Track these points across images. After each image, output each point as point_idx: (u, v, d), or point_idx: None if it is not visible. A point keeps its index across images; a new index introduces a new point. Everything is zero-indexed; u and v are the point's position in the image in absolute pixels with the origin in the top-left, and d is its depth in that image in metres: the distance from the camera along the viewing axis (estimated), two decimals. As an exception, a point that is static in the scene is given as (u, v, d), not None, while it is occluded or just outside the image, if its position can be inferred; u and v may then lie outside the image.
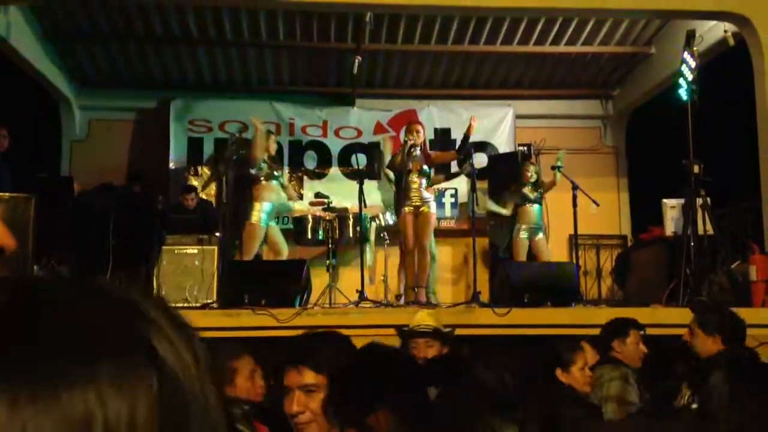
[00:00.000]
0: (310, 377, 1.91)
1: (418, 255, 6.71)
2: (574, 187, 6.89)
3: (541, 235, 7.46)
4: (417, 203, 6.71)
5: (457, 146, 7.26)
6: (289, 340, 2.19)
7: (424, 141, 7.02)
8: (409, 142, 6.71)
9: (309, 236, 7.57)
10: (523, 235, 7.45)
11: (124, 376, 0.43)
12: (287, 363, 1.99)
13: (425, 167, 6.77)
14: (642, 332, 3.96)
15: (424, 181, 6.75)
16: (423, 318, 3.74)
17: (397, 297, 6.96)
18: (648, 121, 9.48)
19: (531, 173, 7.56)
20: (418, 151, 6.79)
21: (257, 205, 6.71)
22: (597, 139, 9.87)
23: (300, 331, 5.01)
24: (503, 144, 9.31)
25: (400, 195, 6.79)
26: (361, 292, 6.15)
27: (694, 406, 3.07)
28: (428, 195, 6.77)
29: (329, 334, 2.26)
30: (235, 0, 7.52)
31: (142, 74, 9.24)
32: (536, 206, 7.47)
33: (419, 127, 6.91)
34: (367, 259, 6.81)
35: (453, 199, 9.11)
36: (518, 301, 5.60)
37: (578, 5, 7.02)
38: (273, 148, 6.98)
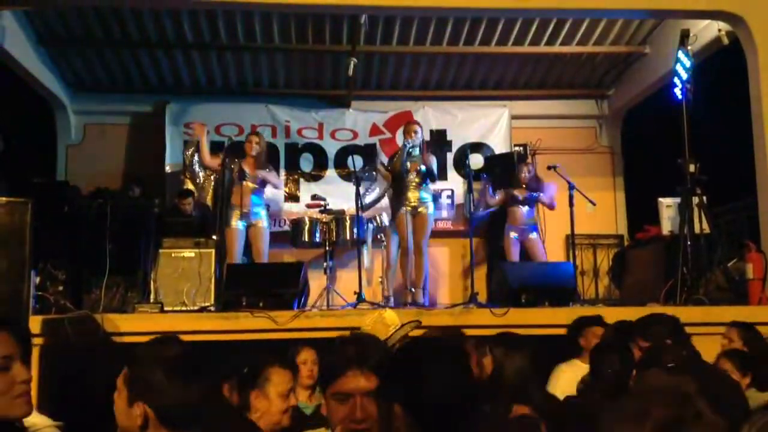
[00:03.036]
0: (373, 380, 1.85)
1: (415, 255, 6.72)
2: (571, 187, 6.91)
3: (534, 235, 7.41)
4: (414, 203, 6.72)
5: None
6: (335, 342, 2.08)
7: (423, 140, 7.01)
8: (408, 146, 6.73)
9: (306, 238, 7.57)
10: (513, 235, 7.44)
11: None
12: (347, 366, 1.89)
13: (423, 167, 6.78)
14: None
15: (421, 181, 6.75)
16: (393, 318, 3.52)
17: (386, 299, 6.95)
18: (643, 121, 9.50)
19: (524, 174, 7.56)
20: (417, 151, 6.80)
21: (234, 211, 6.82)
22: (592, 139, 9.89)
23: (297, 334, 5.03)
24: (499, 145, 9.31)
25: (398, 195, 6.80)
26: (359, 294, 6.16)
27: None
28: (426, 196, 6.78)
29: (369, 336, 2.26)
30: (229, 3, 7.52)
31: (137, 78, 9.23)
32: (525, 207, 7.45)
33: (417, 127, 6.94)
34: (364, 260, 6.81)
35: (449, 200, 9.12)
36: (516, 302, 5.62)
37: (572, 5, 7.04)
38: (254, 149, 6.99)
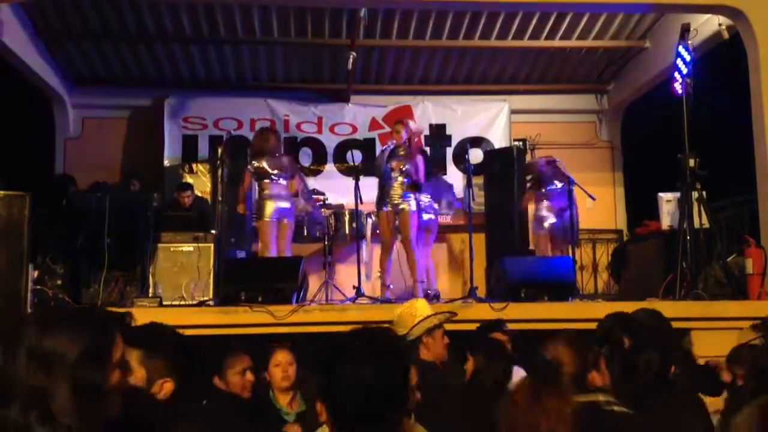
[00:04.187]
0: None
1: (406, 251, 6.75)
2: (570, 182, 6.89)
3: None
4: (396, 201, 6.73)
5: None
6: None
7: (410, 138, 6.94)
8: (389, 148, 6.74)
9: (305, 233, 7.56)
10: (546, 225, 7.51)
11: None
12: None
13: (408, 167, 6.74)
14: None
15: (405, 180, 6.77)
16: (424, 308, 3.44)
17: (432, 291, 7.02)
18: (643, 115, 9.49)
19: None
20: (402, 151, 6.81)
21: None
22: (592, 134, 9.87)
23: (296, 328, 5.02)
24: (498, 139, 9.31)
25: (382, 193, 6.82)
26: (357, 289, 6.16)
27: None
28: (409, 194, 6.77)
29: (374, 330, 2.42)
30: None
31: (136, 72, 9.20)
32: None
33: (399, 127, 6.90)
34: (363, 255, 6.80)
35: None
36: (515, 296, 5.61)
37: (573, -1, 7.02)
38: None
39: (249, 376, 3.56)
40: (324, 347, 1.77)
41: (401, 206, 6.70)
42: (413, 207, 6.75)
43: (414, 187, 6.76)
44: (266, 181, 6.61)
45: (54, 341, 1.51)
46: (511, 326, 5.08)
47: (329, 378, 1.68)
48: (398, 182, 6.73)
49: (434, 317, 3.29)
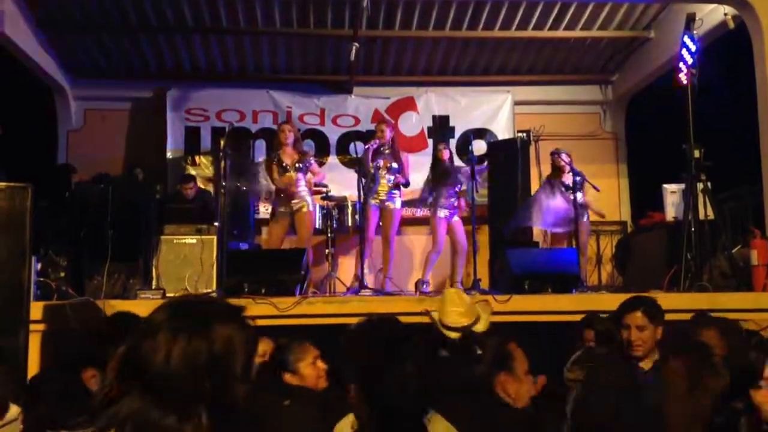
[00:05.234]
0: None
1: (383, 247, 6.84)
2: (575, 174, 6.86)
3: (584, 219, 7.36)
4: (383, 198, 6.86)
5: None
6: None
7: (393, 138, 7.07)
8: (371, 148, 6.80)
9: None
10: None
11: None
12: None
13: (395, 165, 6.89)
14: None
15: (392, 177, 6.88)
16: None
17: (422, 283, 7.04)
18: (648, 106, 9.43)
19: (561, 162, 7.51)
20: (387, 150, 6.93)
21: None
22: (596, 125, 9.82)
23: (300, 320, 5.01)
24: (502, 130, 9.27)
25: (367, 190, 6.90)
26: (361, 280, 6.15)
27: None
28: (395, 191, 6.91)
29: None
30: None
31: (138, 63, 9.18)
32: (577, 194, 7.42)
33: (383, 126, 7.09)
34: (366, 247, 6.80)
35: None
36: (519, 288, 5.60)
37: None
38: (288, 138, 6.91)
39: (320, 364, 3.47)
40: (375, 347, 1.73)
41: (387, 203, 6.88)
42: (398, 206, 7.02)
43: (400, 185, 7.01)
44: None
45: (222, 345, 1.44)
46: (514, 318, 5.09)
47: (372, 372, 1.64)
48: (385, 180, 6.86)
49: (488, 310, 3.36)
